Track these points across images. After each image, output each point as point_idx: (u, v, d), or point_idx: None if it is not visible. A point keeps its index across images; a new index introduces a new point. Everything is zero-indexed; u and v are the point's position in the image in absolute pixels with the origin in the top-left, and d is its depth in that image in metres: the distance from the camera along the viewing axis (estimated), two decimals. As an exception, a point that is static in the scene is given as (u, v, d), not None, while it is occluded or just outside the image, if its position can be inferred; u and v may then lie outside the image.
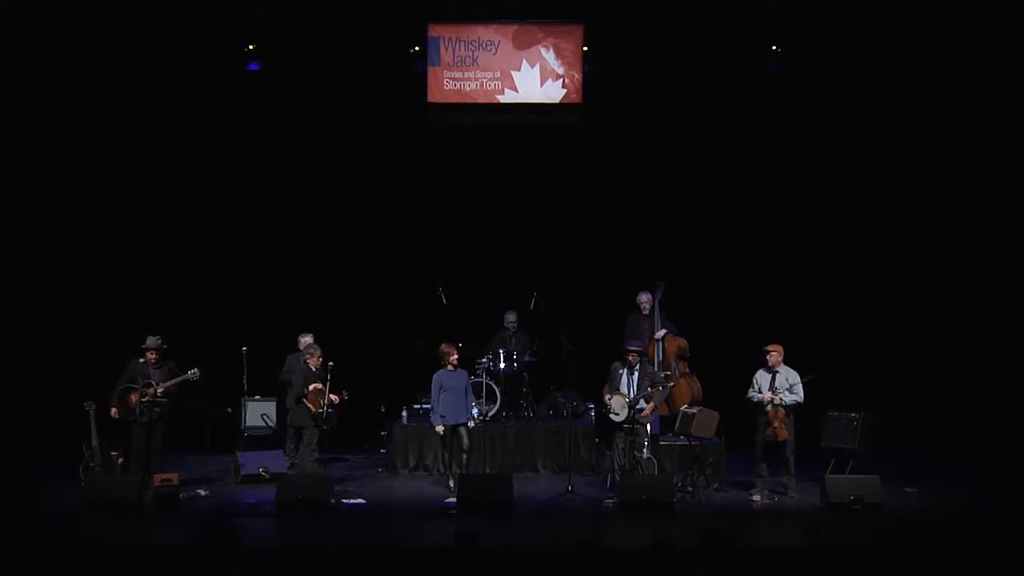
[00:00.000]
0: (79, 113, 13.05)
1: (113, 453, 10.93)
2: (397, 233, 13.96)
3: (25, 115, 12.85)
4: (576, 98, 13.48)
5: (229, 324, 13.03)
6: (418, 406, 12.49)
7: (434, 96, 13.49)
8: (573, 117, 13.60)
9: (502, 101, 13.54)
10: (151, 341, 10.65)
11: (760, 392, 10.70)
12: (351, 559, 7.55)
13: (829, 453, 11.13)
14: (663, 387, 11.16)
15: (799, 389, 10.63)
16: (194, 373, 10.72)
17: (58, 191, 13.18)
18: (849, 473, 10.67)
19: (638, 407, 10.76)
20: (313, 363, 11.10)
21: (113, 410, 10.58)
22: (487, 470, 11.75)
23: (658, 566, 6.31)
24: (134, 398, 10.51)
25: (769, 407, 10.60)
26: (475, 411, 11.46)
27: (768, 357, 10.72)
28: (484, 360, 12.59)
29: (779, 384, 10.65)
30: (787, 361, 10.79)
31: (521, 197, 13.76)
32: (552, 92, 13.52)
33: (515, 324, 12.90)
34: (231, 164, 13.69)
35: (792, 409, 10.61)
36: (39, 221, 13.16)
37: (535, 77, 13.50)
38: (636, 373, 10.89)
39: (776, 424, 10.56)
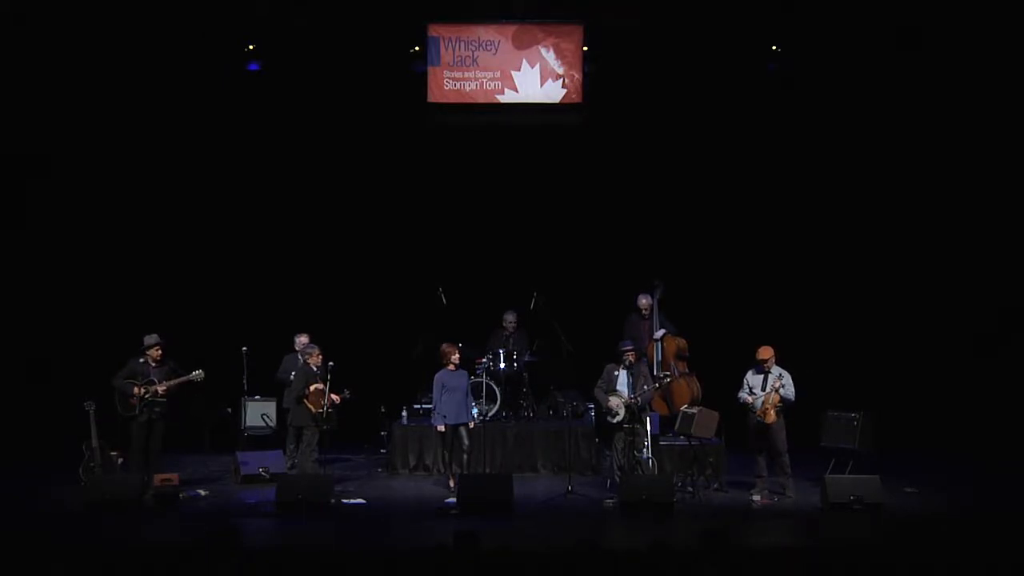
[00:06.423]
0: (78, 113, 13.04)
1: (113, 453, 10.92)
2: (397, 233, 13.97)
3: (23, 115, 12.84)
4: (576, 98, 13.47)
5: (229, 324, 13.04)
6: (418, 406, 12.49)
7: (434, 96, 13.49)
8: (573, 117, 13.60)
9: (502, 101, 13.53)
10: (150, 340, 10.66)
11: (752, 393, 10.70)
12: (351, 559, 7.57)
13: (829, 453, 11.13)
14: (659, 383, 11.17)
15: (791, 387, 10.61)
16: (198, 374, 10.73)
17: (57, 191, 13.18)
18: (849, 473, 10.67)
19: (639, 407, 10.76)
20: (313, 361, 11.09)
21: (137, 389, 10.46)
22: (487, 470, 11.73)
23: (658, 566, 6.31)
24: (137, 391, 10.52)
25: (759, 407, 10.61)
26: (475, 411, 11.46)
27: (759, 358, 10.72)
28: (484, 360, 12.58)
29: (770, 385, 10.63)
30: (788, 361, 10.78)
31: (521, 197, 13.76)
32: (552, 92, 13.51)
33: (514, 324, 12.89)
34: (231, 164, 13.69)
35: (783, 401, 10.57)
36: (38, 220, 13.17)
37: (535, 77, 13.49)
38: (632, 374, 10.89)
39: (768, 407, 10.51)
